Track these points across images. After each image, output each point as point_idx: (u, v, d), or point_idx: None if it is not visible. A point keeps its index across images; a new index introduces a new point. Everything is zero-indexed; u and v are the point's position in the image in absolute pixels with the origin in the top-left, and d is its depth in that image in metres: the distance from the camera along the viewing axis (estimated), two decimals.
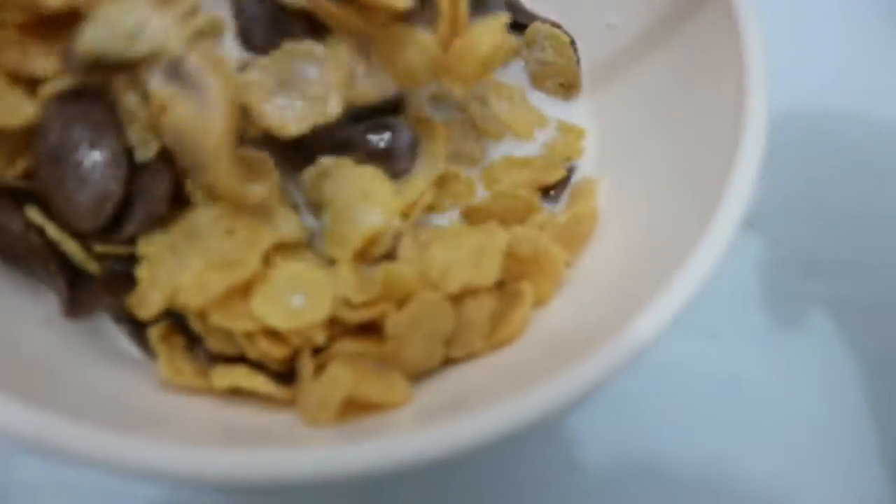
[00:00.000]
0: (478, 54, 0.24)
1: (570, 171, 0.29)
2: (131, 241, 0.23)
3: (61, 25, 0.22)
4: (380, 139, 0.26)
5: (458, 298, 0.23)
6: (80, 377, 0.21)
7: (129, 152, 0.23)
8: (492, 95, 0.29)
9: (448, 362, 0.23)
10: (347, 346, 0.22)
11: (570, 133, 0.30)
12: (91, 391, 0.21)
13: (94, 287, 0.24)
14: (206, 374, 0.23)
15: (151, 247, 0.22)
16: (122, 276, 0.24)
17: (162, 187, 0.23)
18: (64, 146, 0.22)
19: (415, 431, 0.18)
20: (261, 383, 0.22)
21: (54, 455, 0.17)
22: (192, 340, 0.23)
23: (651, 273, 0.22)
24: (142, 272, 0.22)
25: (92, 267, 0.24)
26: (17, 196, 0.23)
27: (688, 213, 0.23)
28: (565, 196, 0.29)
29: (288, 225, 0.24)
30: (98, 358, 0.23)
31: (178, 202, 0.23)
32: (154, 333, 0.23)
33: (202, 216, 0.23)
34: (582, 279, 0.25)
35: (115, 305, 0.24)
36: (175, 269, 0.22)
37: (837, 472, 0.30)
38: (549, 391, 0.19)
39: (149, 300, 0.22)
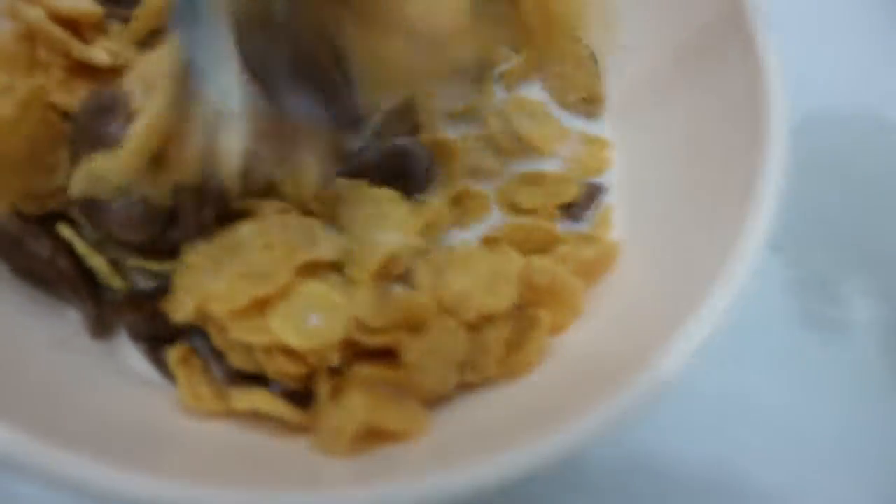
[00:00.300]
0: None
1: (595, 189, 0.29)
2: (175, 251, 0.23)
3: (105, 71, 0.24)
4: (397, 161, 0.26)
5: (474, 324, 0.23)
6: (90, 403, 0.22)
7: None
8: (512, 111, 0.29)
9: (463, 387, 0.23)
10: (364, 370, 0.22)
11: (595, 144, 0.30)
12: (101, 418, 0.21)
13: (117, 304, 0.24)
14: (224, 395, 0.23)
15: (195, 256, 0.23)
16: (144, 294, 0.24)
17: (209, 202, 0.23)
18: None
19: (434, 471, 0.18)
20: (279, 407, 0.22)
21: (56, 486, 0.17)
22: (210, 362, 0.23)
23: (676, 299, 0.21)
24: (180, 278, 0.23)
25: (117, 283, 0.24)
26: (45, 221, 0.24)
27: (711, 235, 0.23)
28: (590, 214, 0.28)
29: (329, 245, 0.24)
30: (109, 382, 0.23)
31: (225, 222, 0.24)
32: (173, 356, 0.23)
33: (245, 229, 0.23)
34: (603, 305, 0.25)
35: (137, 322, 0.24)
36: (211, 278, 0.22)
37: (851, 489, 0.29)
38: (579, 426, 0.18)
39: (183, 304, 0.22)
